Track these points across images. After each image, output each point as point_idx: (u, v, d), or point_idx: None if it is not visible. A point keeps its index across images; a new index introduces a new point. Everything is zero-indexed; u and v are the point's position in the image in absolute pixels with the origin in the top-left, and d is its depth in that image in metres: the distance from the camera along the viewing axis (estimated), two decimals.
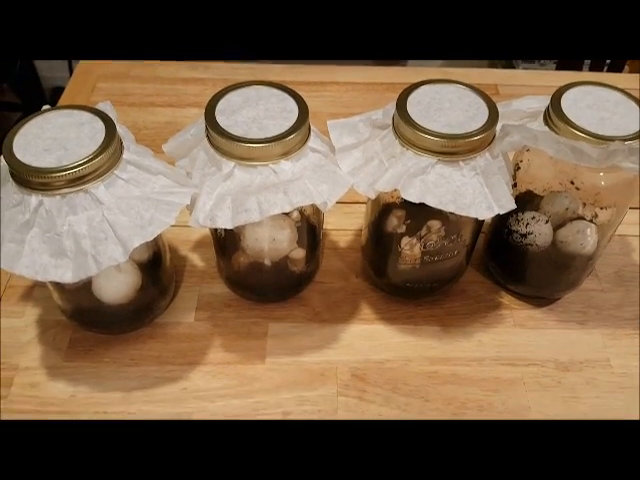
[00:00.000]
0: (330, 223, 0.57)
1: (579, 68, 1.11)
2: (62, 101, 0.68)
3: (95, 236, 0.36)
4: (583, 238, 0.45)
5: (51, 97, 1.72)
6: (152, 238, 0.36)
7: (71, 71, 1.54)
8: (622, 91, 0.43)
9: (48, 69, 1.74)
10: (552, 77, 0.73)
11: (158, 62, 0.73)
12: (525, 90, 0.70)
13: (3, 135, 0.37)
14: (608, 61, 1.10)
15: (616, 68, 1.11)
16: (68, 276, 0.36)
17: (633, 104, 0.42)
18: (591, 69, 1.10)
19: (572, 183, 0.43)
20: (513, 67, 1.58)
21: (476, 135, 0.38)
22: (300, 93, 0.71)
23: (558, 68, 1.16)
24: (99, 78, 0.70)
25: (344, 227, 0.56)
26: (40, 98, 1.66)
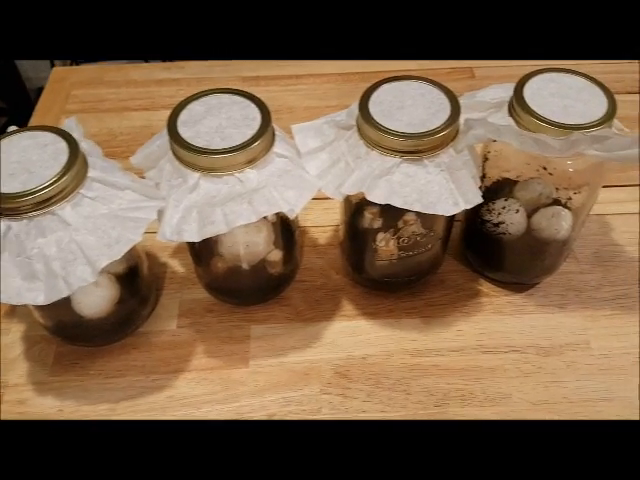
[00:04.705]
0: (309, 220, 0.57)
1: None
2: (37, 111, 0.68)
3: (64, 257, 0.36)
4: (557, 223, 0.45)
5: (36, 98, 1.72)
6: (120, 256, 0.36)
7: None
8: (586, 76, 0.42)
9: (32, 69, 1.73)
10: None
11: (131, 65, 0.73)
12: (501, 71, 0.70)
13: None
14: None
15: None
16: (41, 299, 0.36)
17: (597, 89, 0.42)
18: None
19: (545, 169, 0.43)
20: None
21: (438, 132, 0.38)
22: (275, 88, 0.71)
23: None
24: (73, 85, 0.70)
25: (323, 223, 0.57)
26: (25, 100, 1.66)
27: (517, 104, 0.40)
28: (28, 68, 1.72)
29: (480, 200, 0.40)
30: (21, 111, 1.46)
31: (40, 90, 0.71)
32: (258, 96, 0.42)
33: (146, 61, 1.69)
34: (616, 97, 0.41)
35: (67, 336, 0.46)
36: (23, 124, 0.68)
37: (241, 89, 0.42)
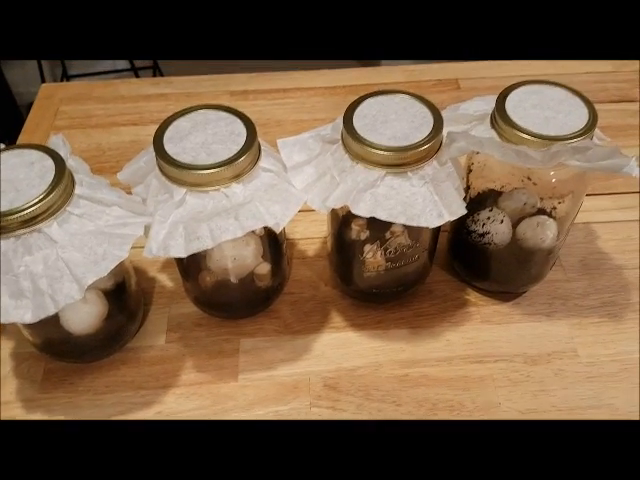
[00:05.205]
0: (298, 232, 0.57)
1: None
2: (26, 128, 0.68)
3: (51, 275, 0.36)
4: (542, 232, 0.46)
5: (27, 114, 1.72)
6: (106, 273, 0.37)
7: None
8: (567, 87, 0.43)
9: (23, 84, 1.73)
10: (512, 66, 0.73)
11: (119, 80, 0.73)
12: (486, 82, 0.71)
13: None
14: None
15: None
16: (28, 317, 0.36)
17: (578, 100, 0.42)
18: None
19: (529, 179, 0.44)
20: None
21: (422, 145, 0.39)
22: (263, 102, 0.72)
23: None
24: (62, 101, 0.70)
25: (311, 235, 0.57)
26: (16, 116, 1.66)
27: (499, 116, 0.41)
28: (18, 83, 1.72)
29: (464, 211, 0.40)
30: (12, 126, 1.45)
31: (31, 105, 0.71)
32: (247, 110, 0.43)
33: (136, 73, 1.69)
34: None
35: (56, 353, 0.46)
36: (14, 139, 0.68)
37: (227, 105, 0.43)
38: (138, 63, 1.73)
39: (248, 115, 0.42)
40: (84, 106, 0.70)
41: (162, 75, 1.78)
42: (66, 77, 1.69)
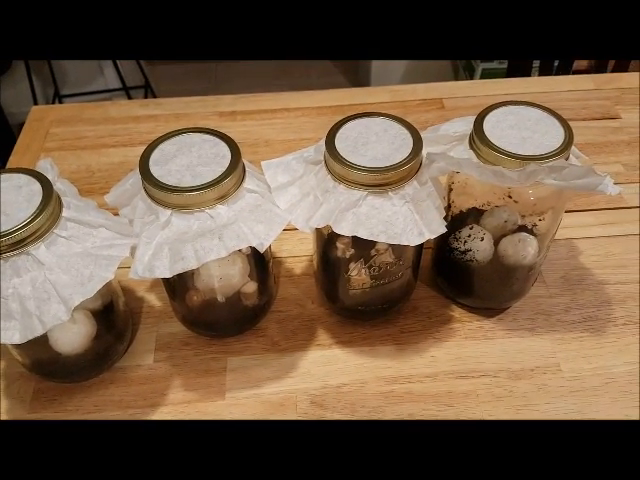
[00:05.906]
0: (285, 250, 0.58)
1: (528, 68, 1.12)
2: (17, 150, 0.69)
3: (39, 297, 0.37)
4: (524, 249, 0.47)
5: (19, 134, 1.73)
6: (93, 294, 0.37)
7: (37, 105, 1.55)
8: (543, 108, 0.44)
9: (15, 104, 1.74)
10: (494, 85, 0.74)
11: (109, 102, 0.75)
12: (469, 101, 0.72)
13: None
14: (556, 63, 1.12)
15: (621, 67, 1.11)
16: (16, 337, 0.37)
17: (554, 120, 0.43)
18: (541, 71, 1.12)
19: (510, 197, 0.45)
20: (472, 67, 1.61)
21: (402, 166, 0.40)
22: (251, 122, 0.73)
23: (509, 67, 1.18)
24: (52, 123, 0.71)
25: (299, 254, 0.58)
26: (9, 136, 1.67)
27: (477, 137, 0.42)
28: (11, 103, 1.74)
29: (444, 230, 0.41)
30: (4, 146, 1.46)
31: (23, 125, 0.72)
32: (235, 130, 0.44)
33: (128, 93, 1.71)
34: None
35: (45, 373, 0.47)
36: (5, 159, 0.69)
37: (216, 125, 0.44)
38: (130, 82, 1.74)
39: (236, 135, 0.43)
40: (74, 128, 0.70)
41: (154, 94, 1.80)
42: (58, 97, 1.71)
